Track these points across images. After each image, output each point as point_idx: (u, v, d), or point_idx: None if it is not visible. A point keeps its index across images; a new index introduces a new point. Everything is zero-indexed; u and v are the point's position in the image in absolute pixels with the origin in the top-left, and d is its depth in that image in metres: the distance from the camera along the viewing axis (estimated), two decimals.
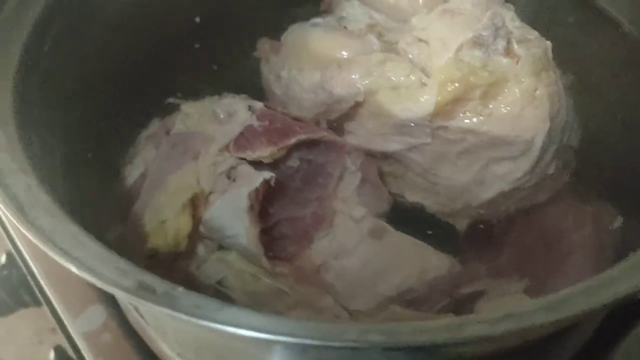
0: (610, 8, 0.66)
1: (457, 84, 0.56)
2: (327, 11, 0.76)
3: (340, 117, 0.63)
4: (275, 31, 0.73)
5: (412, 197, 0.61)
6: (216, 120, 0.62)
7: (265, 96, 0.70)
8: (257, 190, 0.55)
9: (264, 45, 0.72)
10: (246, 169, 0.58)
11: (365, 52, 0.65)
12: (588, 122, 0.65)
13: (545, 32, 0.65)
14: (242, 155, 0.59)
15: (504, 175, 0.57)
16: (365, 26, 0.69)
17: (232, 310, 0.38)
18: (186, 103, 0.65)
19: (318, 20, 0.70)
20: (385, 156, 0.61)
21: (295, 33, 0.70)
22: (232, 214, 0.55)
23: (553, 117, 0.57)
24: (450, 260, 0.58)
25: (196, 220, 0.56)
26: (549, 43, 0.58)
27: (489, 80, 0.56)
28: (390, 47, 0.66)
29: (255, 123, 0.60)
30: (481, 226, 0.61)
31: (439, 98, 0.57)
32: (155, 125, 0.64)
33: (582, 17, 0.67)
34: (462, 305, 0.59)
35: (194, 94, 0.66)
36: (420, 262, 0.57)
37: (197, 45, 0.71)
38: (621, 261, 0.39)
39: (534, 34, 0.59)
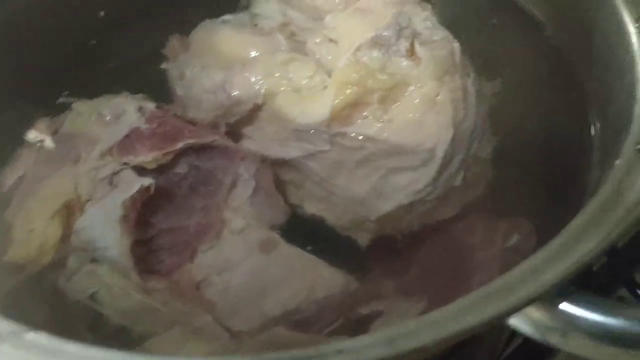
0: (535, 10, 0.62)
1: (354, 87, 0.52)
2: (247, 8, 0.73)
3: (240, 120, 0.59)
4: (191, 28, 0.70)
5: (311, 208, 0.56)
6: (102, 121, 0.58)
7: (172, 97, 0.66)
8: (133, 198, 0.51)
9: (173, 42, 0.68)
10: (129, 174, 0.54)
11: (271, 52, 0.61)
12: (509, 131, 0.61)
13: (470, 35, 0.61)
14: (125, 159, 0.54)
15: (404, 187, 0.53)
16: (277, 24, 0.65)
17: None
18: (79, 102, 0.61)
19: (229, 17, 0.66)
20: (284, 163, 0.57)
21: (204, 30, 0.66)
22: (104, 223, 0.51)
23: (457, 125, 0.53)
24: (345, 277, 0.53)
25: (70, 230, 0.53)
26: (456, 45, 0.54)
27: (388, 83, 0.52)
28: (300, 47, 0.63)
29: (143, 126, 0.56)
30: (385, 241, 0.57)
31: (335, 102, 0.52)
32: (42, 125, 0.60)
33: (507, 19, 0.63)
34: (362, 327, 0.55)
35: (96, 94, 0.63)
36: (311, 279, 0.52)
37: (94, 42, 0.67)
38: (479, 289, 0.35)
39: (440, 35, 0.54)
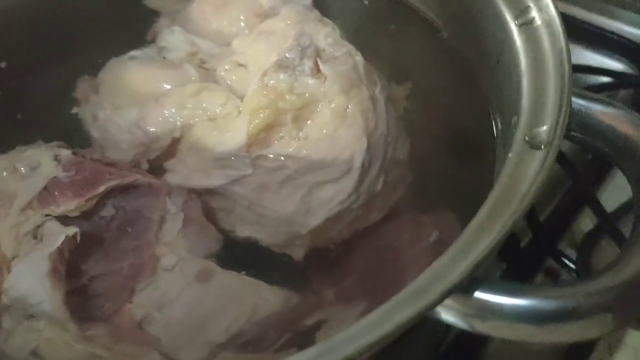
0: (431, 14, 0.65)
1: (266, 111, 0.54)
2: (153, 41, 0.73)
3: (161, 155, 0.59)
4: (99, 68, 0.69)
5: (243, 231, 0.57)
6: (18, 175, 0.57)
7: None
8: (59, 249, 0.51)
9: (82, 84, 0.68)
10: (53, 226, 0.53)
11: (182, 83, 0.62)
12: (420, 131, 0.64)
13: (375, 43, 0.64)
14: (46, 211, 0.54)
15: (328, 200, 0.55)
16: (185, 54, 0.66)
17: None
18: None
19: (136, 52, 0.66)
20: (210, 192, 0.58)
21: (112, 69, 0.66)
22: (33, 279, 0.50)
23: (370, 134, 0.55)
24: (285, 293, 0.55)
25: None
26: (358, 58, 0.56)
27: (298, 103, 0.54)
28: (211, 76, 0.64)
29: (61, 174, 0.55)
30: (319, 253, 0.59)
31: (250, 127, 0.54)
32: None
33: (406, 24, 0.67)
34: (308, 336, 0.56)
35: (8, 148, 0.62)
36: (251, 300, 0.54)
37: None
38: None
39: (342, 51, 0.56)
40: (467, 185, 0.61)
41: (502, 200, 0.38)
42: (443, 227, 0.60)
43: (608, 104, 0.47)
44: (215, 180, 0.57)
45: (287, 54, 0.55)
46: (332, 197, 0.55)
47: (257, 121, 0.54)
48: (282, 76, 0.54)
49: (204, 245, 0.57)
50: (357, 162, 0.54)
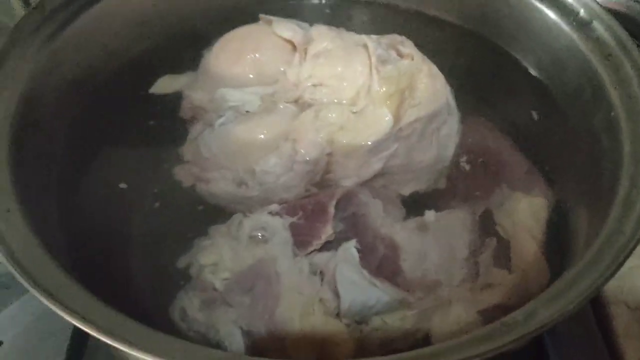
0: None
1: (394, 94, 0.71)
2: (193, 117, 0.79)
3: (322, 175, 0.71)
4: None
5: (407, 190, 0.74)
6: (257, 240, 0.63)
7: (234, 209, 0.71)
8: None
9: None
10: (322, 255, 0.63)
11: (292, 119, 0.72)
12: None
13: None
14: (311, 249, 0.62)
15: (448, 135, 0.76)
16: (261, 101, 0.75)
17: None
18: None
19: (220, 120, 0.73)
20: (375, 177, 0.72)
21: (216, 139, 0.72)
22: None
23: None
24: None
25: None
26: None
27: (408, 80, 0.72)
28: (295, 105, 0.75)
29: (294, 220, 0.64)
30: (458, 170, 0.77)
31: (393, 109, 0.70)
32: None
33: None
34: None
35: None
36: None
37: None
38: None
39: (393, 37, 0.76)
40: None
41: None
42: None
43: None
44: (377, 165, 0.72)
45: (377, 52, 0.72)
46: (450, 131, 0.76)
47: (394, 104, 0.70)
48: (388, 67, 0.71)
49: (399, 213, 0.72)
50: (452, 102, 0.76)
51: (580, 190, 0.67)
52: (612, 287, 0.80)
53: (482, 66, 0.82)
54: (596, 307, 0.81)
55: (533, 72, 0.78)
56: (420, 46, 0.76)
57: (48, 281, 0.49)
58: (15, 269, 0.50)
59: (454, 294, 0.65)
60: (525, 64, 0.78)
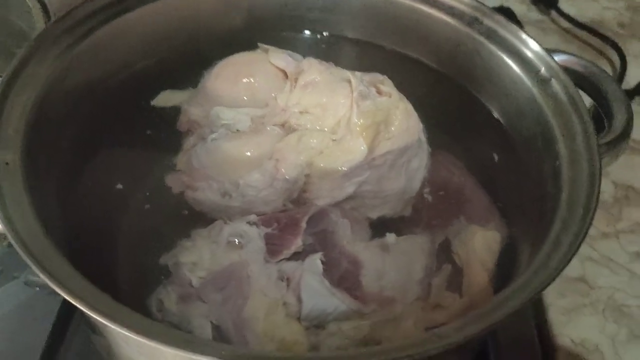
0: None
1: (371, 126, 0.79)
2: (188, 130, 0.87)
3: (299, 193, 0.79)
4: None
5: (375, 214, 0.82)
6: (233, 246, 0.70)
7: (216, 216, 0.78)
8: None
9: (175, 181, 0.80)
10: (291, 264, 0.70)
11: (277, 140, 0.80)
12: None
13: None
14: (281, 257, 0.70)
15: (417, 168, 0.84)
16: (251, 122, 0.83)
17: None
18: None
19: (213, 135, 0.81)
20: (346, 199, 0.80)
21: (206, 152, 0.79)
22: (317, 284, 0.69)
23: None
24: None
25: None
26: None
27: (384, 115, 0.80)
28: (282, 128, 0.83)
29: (269, 230, 0.71)
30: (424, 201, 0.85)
31: (368, 140, 0.78)
32: None
33: None
34: None
35: None
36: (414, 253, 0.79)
37: None
38: None
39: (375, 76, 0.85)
40: None
41: None
42: None
43: None
44: (349, 189, 0.80)
45: (359, 88, 0.80)
46: (419, 165, 0.84)
47: (369, 136, 0.78)
48: (367, 102, 0.79)
49: (365, 234, 0.79)
50: (423, 138, 0.84)
51: (525, 228, 0.75)
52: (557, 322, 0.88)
53: (453, 107, 0.91)
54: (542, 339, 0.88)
55: (497, 116, 0.87)
56: (398, 84, 0.85)
57: (49, 263, 0.57)
58: (23, 251, 0.57)
59: (406, 310, 0.73)
60: (491, 108, 0.87)
